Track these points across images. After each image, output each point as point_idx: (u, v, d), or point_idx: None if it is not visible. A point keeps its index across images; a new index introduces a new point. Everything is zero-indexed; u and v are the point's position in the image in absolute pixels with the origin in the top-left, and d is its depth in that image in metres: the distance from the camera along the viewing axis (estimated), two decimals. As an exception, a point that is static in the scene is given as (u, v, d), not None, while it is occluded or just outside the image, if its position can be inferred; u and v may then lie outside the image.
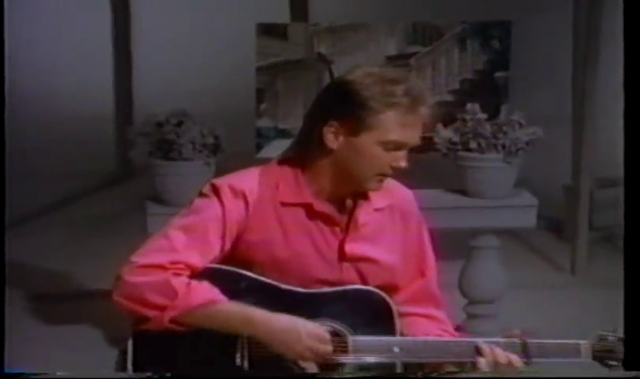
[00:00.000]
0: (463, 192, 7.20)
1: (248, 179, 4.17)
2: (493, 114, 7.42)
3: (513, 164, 7.08)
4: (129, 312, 4.00)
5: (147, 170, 7.16)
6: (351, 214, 4.15)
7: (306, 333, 4.02)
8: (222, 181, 4.14)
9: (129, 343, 4.06)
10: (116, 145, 9.19)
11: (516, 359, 4.11)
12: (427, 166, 7.34)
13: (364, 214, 4.14)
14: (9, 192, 9.48)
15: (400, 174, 8.39)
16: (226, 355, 4.14)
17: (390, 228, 4.27)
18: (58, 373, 5.35)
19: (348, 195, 4.18)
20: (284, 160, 4.20)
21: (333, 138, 4.01)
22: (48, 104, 10.56)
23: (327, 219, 4.13)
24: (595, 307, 7.60)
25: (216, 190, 4.07)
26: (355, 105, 3.99)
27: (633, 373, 4.69)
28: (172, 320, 3.98)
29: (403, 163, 4.01)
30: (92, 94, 10.00)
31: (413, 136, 3.98)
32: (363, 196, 4.18)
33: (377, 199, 4.20)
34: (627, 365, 4.73)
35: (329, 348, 4.06)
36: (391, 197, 4.27)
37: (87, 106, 10.03)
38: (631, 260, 4.68)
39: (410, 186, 7.84)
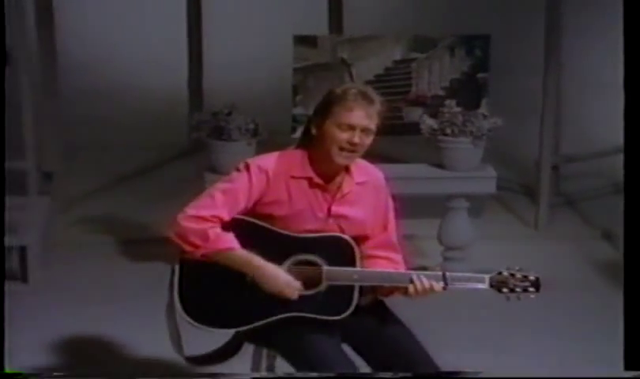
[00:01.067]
0: (441, 166, 7.75)
1: (270, 160, 4.85)
2: (475, 106, 8.11)
3: (478, 146, 7.64)
4: (176, 245, 4.71)
5: (206, 147, 7.65)
6: (339, 186, 4.84)
7: (283, 281, 4.75)
8: (252, 161, 4.86)
9: (177, 266, 4.82)
10: (188, 127, 9.21)
11: (436, 285, 4.84)
12: (415, 146, 8.19)
13: (348, 186, 4.84)
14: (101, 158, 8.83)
15: (396, 153, 8.75)
16: (239, 281, 4.84)
17: (365, 197, 4.92)
18: (58, 373, 5.71)
19: (337, 172, 4.85)
20: (297, 147, 4.92)
21: (314, 127, 4.79)
22: (137, 91, 10.69)
23: (322, 188, 4.80)
24: (552, 256, 8.04)
25: (247, 167, 4.78)
26: (322, 105, 4.80)
27: (633, 373, 4.74)
28: (202, 256, 4.69)
29: (355, 139, 4.72)
30: (172, 85, 10.15)
31: (360, 121, 4.75)
32: (348, 173, 4.86)
33: (358, 176, 4.90)
34: (627, 365, 4.74)
35: (297, 290, 4.76)
36: (368, 176, 4.96)
37: (166, 95, 10.25)
38: (631, 260, 4.72)
39: (402, 161, 8.41)
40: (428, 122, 7.66)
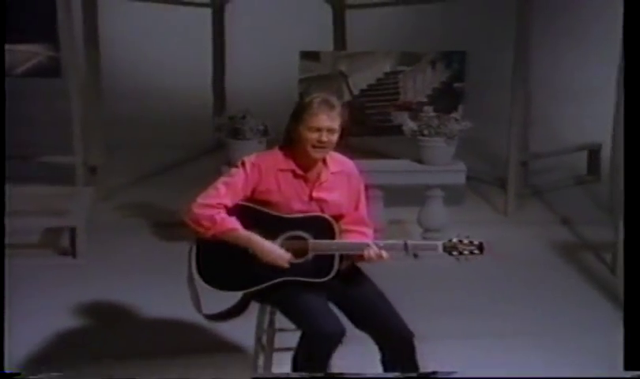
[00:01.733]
0: (420, 161, 8.07)
1: (261, 157, 5.29)
2: (453, 111, 8.35)
3: (451, 144, 7.93)
4: (191, 228, 5.14)
5: (225, 145, 7.94)
6: (317, 175, 5.24)
7: (276, 254, 5.14)
8: (247, 159, 5.31)
9: (194, 246, 5.24)
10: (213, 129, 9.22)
11: (385, 254, 5.18)
12: (399, 145, 8.45)
13: (325, 175, 5.24)
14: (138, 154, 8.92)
15: (385, 150, 8.89)
16: (244, 253, 5.16)
17: (339, 183, 5.31)
18: (58, 373, 5.39)
19: (315, 164, 5.25)
20: (281, 146, 5.30)
21: (291, 131, 5.17)
22: (169, 98, 10.84)
23: (303, 178, 5.21)
24: (519, 238, 8.42)
25: (243, 164, 5.20)
26: (295, 114, 5.17)
27: (633, 373, 4.42)
28: (212, 236, 5.11)
29: (323, 138, 5.13)
30: (198, 93, 10.28)
31: (324, 122, 5.14)
32: (325, 165, 5.26)
33: (333, 167, 5.29)
34: (627, 365, 4.41)
35: (287, 261, 5.12)
36: (342, 166, 5.33)
37: (194, 101, 10.38)
38: (631, 261, 4.36)
39: (390, 157, 8.37)
40: (409, 125, 7.96)
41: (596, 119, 8.57)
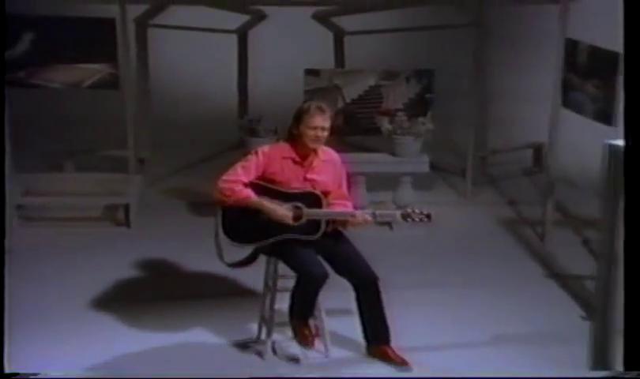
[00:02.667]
0: (394, 154, 8.25)
1: (271, 148, 5.67)
2: (424, 115, 8.37)
3: (417, 141, 8.15)
4: (217, 198, 5.53)
5: (246, 143, 8.02)
6: (310, 162, 5.63)
7: (282, 212, 5.50)
8: (260, 149, 5.71)
9: (220, 211, 5.59)
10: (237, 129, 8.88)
11: (368, 217, 5.54)
12: (379, 142, 8.61)
13: (316, 162, 5.63)
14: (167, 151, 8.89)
15: (370, 145, 8.66)
16: (256, 216, 5.52)
17: (327, 168, 5.68)
18: (58, 373, 5.06)
19: (309, 154, 5.61)
20: (285, 140, 5.66)
21: (294, 129, 5.56)
22: (203, 104, 10.65)
23: (300, 164, 5.61)
24: (475, 216, 8.60)
25: (256, 153, 5.59)
26: (297, 115, 5.54)
27: (633, 373, 3.94)
28: (232, 203, 5.50)
29: (318, 134, 5.51)
30: (226, 101, 10.07)
31: (319, 122, 5.51)
32: (316, 154, 5.62)
33: (322, 156, 5.68)
34: (627, 365, 3.92)
35: (290, 216, 5.46)
36: (329, 156, 5.72)
37: (222, 107, 10.21)
38: (631, 261, 3.92)
39: (373, 151, 8.43)
40: (386, 126, 8.24)
41: (539, 122, 8.40)
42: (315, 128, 5.54)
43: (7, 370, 4.35)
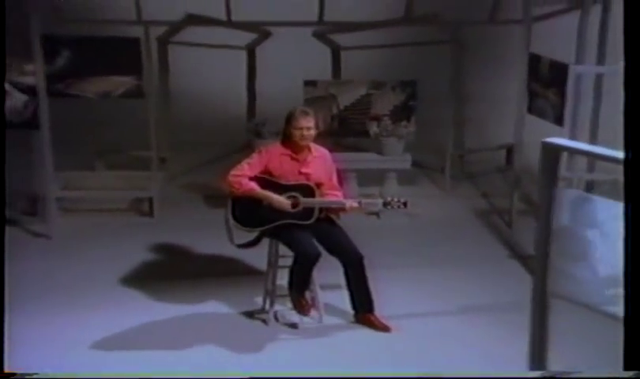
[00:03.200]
0: (380, 153, 8.38)
1: (271, 147, 5.86)
2: (407, 120, 8.49)
3: (400, 142, 8.30)
4: (227, 190, 5.71)
5: (252, 143, 8.02)
6: (304, 158, 5.79)
7: (279, 200, 5.67)
8: (263, 147, 5.89)
9: (229, 201, 5.75)
10: (245, 131, 9.08)
11: (355, 205, 5.73)
12: (367, 143, 8.70)
13: (309, 158, 5.79)
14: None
15: (361, 146, 8.62)
16: (259, 205, 5.70)
17: (319, 163, 5.84)
18: (58, 374, 4.82)
19: (302, 151, 5.75)
20: (281, 141, 5.82)
21: (286, 130, 5.72)
22: (215, 110, 10.44)
23: (295, 159, 5.77)
24: (452, 206, 8.63)
25: (260, 151, 5.82)
26: (287, 119, 5.71)
27: (633, 373, 3.57)
28: (240, 194, 5.68)
29: (304, 133, 5.65)
30: (236, 107, 9.99)
31: (303, 123, 5.65)
32: (309, 151, 5.78)
33: (314, 152, 5.84)
34: (627, 365, 3.53)
35: (288, 204, 5.62)
36: (320, 153, 5.87)
37: (233, 112, 10.06)
38: (631, 261, 3.51)
39: (363, 151, 8.39)
40: (374, 129, 8.42)
41: (511, 125, 8.28)
42: (301, 128, 5.74)
43: (7, 369, 4.09)
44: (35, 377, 4.08)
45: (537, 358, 4.28)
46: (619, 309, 3.75)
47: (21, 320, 5.81)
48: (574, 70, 7.07)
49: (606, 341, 4.74)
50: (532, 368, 4.24)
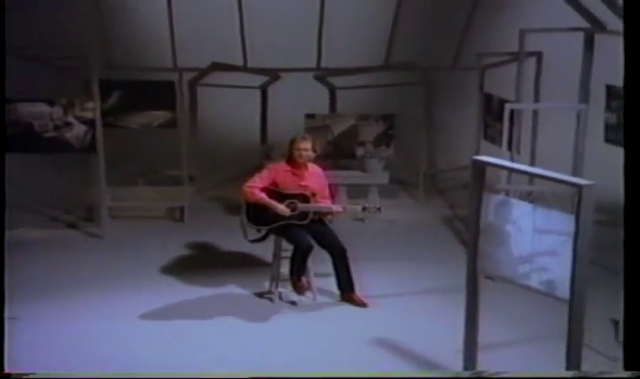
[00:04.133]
0: (364, 171, 8.78)
1: (277, 165, 6.23)
2: (387, 145, 8.84)
3: (380, 163, 8.73)
4: (242, 197, 6.03)
5: (263, 165, 7.50)
6: (302, 173, 6.14)
7: (281, 209, 5.95)
8: (271, 165, 6.23)
9: (244, 206, 6.08)
10: (258, 154, 9.22)
11: (340, 209, 6.04)
12: (354, 164, 9.01)
13: (307, 174, 6.18)
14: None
15: (349, 166, 8.85)
16: (269, 211, 6.01)
17: (314, 178, 6.23)
18: (58, 373, 4.45)
19: (301, 167, 6.06)
20: (286, 160, 6.14)
21: (289, 152, 6.04)
22: (234, 138, 10.31)
23: (296, 174, 6.11)
24: (425, 215, 8.80)
25: (268, 168, 6.18)
26: (290, 144, 6.01)
27: (633, 374, 3.21)
28: (253, 201, 6.01)
29: (303, 154, 5.93)
30: (252, 135, 9.97)
31: (302, 145, 5.94)
32: (306, 168, 6.12)
33: (311, 170, 6.18)
34: (627, 365, 3.18)
35: (287, 211, 5.87)
36: (316, 170, 6.26)
37: (249, 138, 10.08)
38: (632, 262, 3.19)
39: (351, 169, 8.60)
40: (359, 152, 8.80)
41: (472, 150, 8.38)
42: (299, 149, 6.12)
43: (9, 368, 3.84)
44: (33, 377, 3.76)
45: (471, 320, 4.77)
46: (530, 281, 4.33)
47: (81, 298, 6.30)
48: (507, 107, 7.53)
49: (528, 312, 5.58)
50: (467, 330, 4.62)
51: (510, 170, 5.01)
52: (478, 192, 4.71)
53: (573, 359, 3.92)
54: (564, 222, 4.13)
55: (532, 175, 5.67)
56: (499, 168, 5.10)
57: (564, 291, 4.11)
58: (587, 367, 4.21)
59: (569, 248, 4.04)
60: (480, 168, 4.77)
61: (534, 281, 4.34)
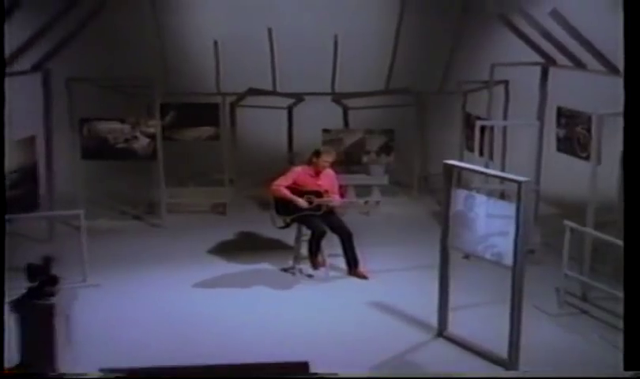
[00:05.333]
0: (369, 174, 8.90)
1: (299, 168, 6.49)
2: (388, 154, 8.84)
3: (382, 168, 8.88)
4: (271, 194, 6.31)
5: (288, 168, 7.08)
6: (319, 175, 6.45)
7: (302, 202, 6.19)
8: (294, 167, 6.46)
9: (273, 201, 6.36)
10: (285, 161, 8.97)
11: (346, 202, 6.29)
12: (361, 168, 9.09)
13: (322, 176, 6.50)
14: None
15: (357, 170, 9.02)
16: (292, 204, 6.29)
17: (328, 179, 6.55)
18: (59, 374, 3.84)
19: (320, 171, 6.35)
20: (307, 163, 6.42)
21: (314, 158, 6.31)
22: (266, 148, 10.14)
23: (313, 176, 6.43)
24: (419, 209, 8.82)
25: (292, 170, 6.40)
26: (314, 154, 6.24)
27: (633, 373, 2.89)
28: (279, 196, 6.32)
29: (325, 164, 6.24)
30: (281, 147, 9.85)
31: (327, 158, 6.24)
32: (323, 171, 6.41)
33: (325, 172, 6.50)
34: (627, 365, 2.83)
35: (305, 204, 6.11)
36: (329, 173, 6.59)
37: (278, 148, 9.88)
38: (632, 262, 2.77)
39: (359, 173, 8.76)
40: (365, 160, 8.90)
41: (457, 157, 8.24)
42: (325, 160, 6.52)
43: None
44: (40, 376, 3.41)
45: (444, 287, 5.21)
46: (485, 254, 4.80)
47: (146, 271, 6.67)
48: (477, 124, 7.94)
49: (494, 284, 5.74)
50: (441, 295, 4.96)
51: (472, 171, 5.49)
52: (448, 186, 5.22)
53: (515, 317, 4.50)
54: (510, 209, 4.70)
55: (486, 175, 6.04)
56: (465, 170, 5.64)
57: (509, 261, 4.67)
58: (530, 322, 4.74)
59: (513, 228, 4.62)
60: (449, 169, 5.28)
61: (488, 254, 4.89)
